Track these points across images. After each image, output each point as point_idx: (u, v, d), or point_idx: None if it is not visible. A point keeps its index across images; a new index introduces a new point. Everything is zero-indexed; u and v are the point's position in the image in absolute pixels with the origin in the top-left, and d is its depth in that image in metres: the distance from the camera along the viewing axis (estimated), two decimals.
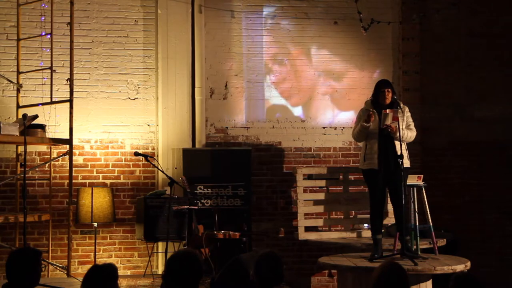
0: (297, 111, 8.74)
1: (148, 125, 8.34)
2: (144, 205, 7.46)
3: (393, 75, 8.79)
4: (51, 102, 7.67)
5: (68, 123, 7.52)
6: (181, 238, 7.40)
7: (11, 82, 7.93)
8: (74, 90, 7.60)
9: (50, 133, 7.85)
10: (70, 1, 7.58)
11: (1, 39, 8.14)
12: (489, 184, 8.83)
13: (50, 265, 7.65)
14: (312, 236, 7.96)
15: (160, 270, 7.92)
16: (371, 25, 7.86)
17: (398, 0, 8.81)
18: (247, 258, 6.01)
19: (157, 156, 8.23)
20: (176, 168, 8.18)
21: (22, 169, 7.03)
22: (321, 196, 8.13)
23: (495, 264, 8.60)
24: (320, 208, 8.09)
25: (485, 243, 8.76)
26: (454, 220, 8.66)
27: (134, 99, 8.35)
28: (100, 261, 7.69)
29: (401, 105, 6.95)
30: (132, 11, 8.38)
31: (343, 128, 8.72)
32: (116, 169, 8.23)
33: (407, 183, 6.85)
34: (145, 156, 7.18)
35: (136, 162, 8.23)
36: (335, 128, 8.76)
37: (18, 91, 7.94)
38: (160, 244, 7.91)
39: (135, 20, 8.39)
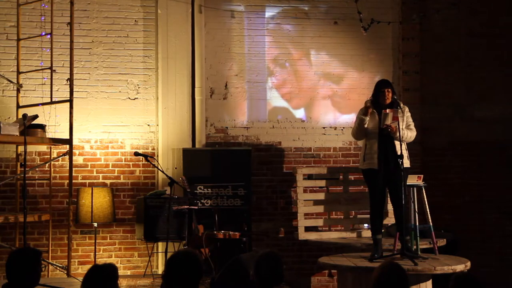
0: (298, 111, 8.73)
1: (148, 125, 8.34)
2: (144, 205, 7.46)
3: (393, 75, 8.79)
4: (51, 102, 7.67)
5: (68, 123, 7.53)
6: (181, 238, 7.40)
7: (11, 82, 7.93)
8: (74, 90, 7.60)
9: (50, 133, 7.85)
10: (70, 1, 7.58)
11: (1, 39, 8.14)
12: (489, 184, 8.83)
13: (50, 265, 7.65)
14: (312, 236, 7.96)
15: (160, 270, 7.92)
16: (371, 25, 7.86)
17: (398, 0, 8.81)
18: (247, 258, 6.01)
19: (157, 156, 8.23)
20: (176, 168, 8.18)
21: (22, 169, 7.04)
22: (321, 196, 8.13)
23: (495, 264, 8.60)
24: (320, 208, 8.09)
25: (485, 243, 8.76)
26: (454, 220, 8.66)
27: (134, 99, 8.35)
28: (100, 261, 7.69)
29: (401, 105, 6.95)
30: (132, 11, 8.38)
31: (343, 128, 8.73)
32: (116, 169, 8.23)
33: (407, 183, 6.85)
34: (145, 156, 7.18)
35: (136, 162, 8.23)
36: (335, 128, 8.76)
37: (18, 91, 7.94)
38: (160, 244, 7.91)
39: (135, 20, 8.39)
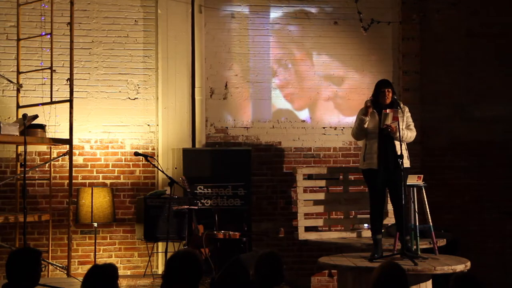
0: (299, 111, 8.73)
1: (148, 125, 8.34)
2: (144, 205, 7.45)
3: (393, 75, 8.79)
4: (51, 102, 7.67)
5: (68, 123, 7.52)
6: (181, 238, 7.40)
7: (11, 82, 7.93)
8: (74, 90, 7.60)
9: (50, 133, 7.85)
10: (70, 1, 7.58)
11: (1, 39, 8.14)
12: (489, 184, 8.83)
13: (50, 265, 7.65)
14: (312, 236, 7.96)
15: (160, 270, 7.92)
16: (371, 25, 7.87)
17: (398, 0, 8.81)
18: (247, 258, 6.02)
19: (157, 156, 8.23)
20: (176, 168, 8.18)
21: (22, 169, 7.03)
22: (321, 196, 8.13)
23: (495, 264, 8.59)
24: (320, 208, 8.09)
25: (485, 243, 8.76)
26: (454, 220, 8.66)
27: (134, 99, 8.35)
28: (100, 261, 7.69)
29: (401, 105, 6.95)
30: (132, 11, 8.38)
31: (343, 128, 8.73)
32: (116, 169, 8.23)
33: (407, 183, 6.85)
34: (145, 156, 7.19)
35: (136, 162, 8.23)
36: (335, 128, 8.76)
37: (18, 91, 7.94)
38: (160, 244, 7.91)
39: (135, 20, 8.39)
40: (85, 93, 8.23)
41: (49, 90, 7.63)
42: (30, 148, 7.75)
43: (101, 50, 8.30)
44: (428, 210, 7.21)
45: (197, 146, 8.34)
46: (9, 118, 7.99)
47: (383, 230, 7.20)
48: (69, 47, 7.59)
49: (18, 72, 7.94)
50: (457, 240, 8.16)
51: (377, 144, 6.80)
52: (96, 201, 7.55)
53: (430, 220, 7.18)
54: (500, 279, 8.37)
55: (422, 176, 7.11)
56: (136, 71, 8.36)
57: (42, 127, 7.52)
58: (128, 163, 8.25)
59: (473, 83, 8.97)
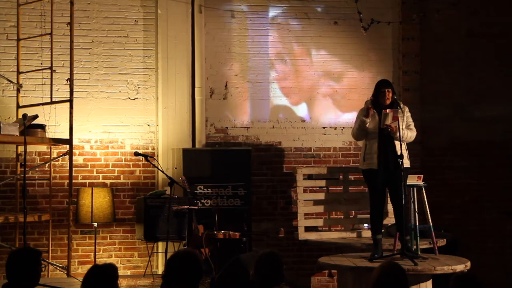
0: (299, 111, 8.74)
1: (148, 125, 8.34)
2: (144, 205, 7.45)
3: (393, 75, 8.78)
4: (51, 102, 7.67)
5: (68, 123, 7.52)
6: (181, 238, 7.39)
7: (11, 82, 7.92)
8: (74, 90, 7.60)
9: (50, 133, 7.85)
10: (70, 1, 7.58)
11: (1, 39, 8.14)
12: (489, 184, 8.83)
13: (50, 265, 7.65)
14: (312, 236, 7.96)
15: (160, 270, 7.92)
16: (371, 25, 7.86)
17: (398, 0, 8.81)
18: (247, 258, 6.02)
19: (157, 156, 8.23)
20: (176, 168, 8.18)
21: (22, 169, 7.03)
22: (321, 196, 8.13)
23: (495, 264, 8.59)
24: (320, 208, 8.09)
25: (485, 243, 8.76)
26: (454, 220, 8.65)
27: (134, 99, 8.35)
28: (100, 261, 7.68)
29: (401, 105, 6.95)
30: (132, 11, 8.38)
31: (343, 128, 8.73)
32: (116, 169, 8.23)
33: (407, 183, 6.85)
34: (145, 156, 7.19)
35: (136, 162, 8.23)
36: (335, 128, 8.76)
37: (18, 91, 7.94)
38: (160, 244, 7.91)
39: (135, 20, 8.39)
40: (85, 93, 8.23)
41: (49, 90, 7.63)
42: (30, 148, 7.75)
43: (101, 50, 8.30)
44: (428, 210, 7.21)
45: (197, 146, 8.34)
46: (9, 118, 7.99)
47: (383, 230, 7.20)
48: (69, 47, 7.59)
49: (18, 72, 7.94)
50: (457, 240, 8.16)
51: (377, 144, 6.80)
52: (96, 201, 7.55)
53: (430, 220, 7.18)
54: (500, 279, 8.37)
55: (422, 176, 7.11)
56: (136, 71, 8.36)
57: (42, 127, 7.52)
58: (128, 163, 8.25)
59: (473, 83, 8.97)
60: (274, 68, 8.72)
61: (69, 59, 7.59)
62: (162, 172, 7.30)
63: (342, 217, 8.29)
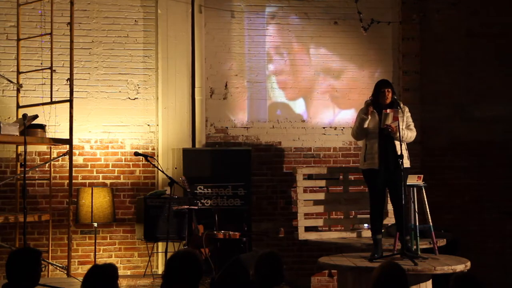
0: (296, 109, 8.74)
1: (148, 125, 8.34)
2: (144, 205, 7.45)
3: (393, 75, 8.79)
4: (51, 102, 7.67)
5: (68, 123, 7.52)
6: (181, 238, 7.40)
7: (11, 82, 7.93)
8: (74, 90, 7.60)
9: (50, 133, 7.85)
10: (70, 1, 7.58)
11: (1, 39, 8.14)
12: (489, 184, 8.83)
13: (50, 265, 7.65)
14: (312, 236, 7.96)
15: (160, 270, 7.92)
16: (371, 25, 7.86)
17: (398, 0, 8.81)
18: (247, 258, 6.02)
19: (157, 156, 8.23)
20: (176, 168, 8.18)
21: (22, 169, 7.03)
22: (321, 196, 8.13)
23: (495, 264, 8.59)
24: (320, 208, 8.09)
25: (485, 243, 8.76)
26: (454, 220, 8.65)
27: (134, 99, 8.35)
28: (100, 261, 7.69)
29: (401, 105, 6.95)
30: (132, 11, 8.38)
31: (343, 128, 8.73)
32: (116, 169, 8.23)
33: (407, 183, 6.85)
34: (145, 156, 7.19)
35: (136, 162, 8.23)
36: (335, 128, 8.76)
37: (18, 91, 7.94)
38: (160, 244, 7.91)
39: (135, 20, 8.39)
40: (85, 93, 8.23)
41: (49, 90, 7.63)
42: (30, 148, 7.75)
43: (101, 50, 8.30)
44: (428, 210, 7.21)
45: (197, 146, 8.34)
46: (9, 118, 7.99)
47: (383, 230, 7.20)
48: (69, 47, 7.59)
49: (18, 72, 7.94)
50: (457, 240, 8.16)
51: (377, 144, 6.80)
52: (96, 201, 7.56)
53: (430, 220, 7.18)
54: (500, 279, 8.37)
55: (422, 176, 7.11)
56: (136, 71, 8.36)
57: (42, 127, 7.52)
58: (128, 163, 8.25)
59: (473, 83, 8.97)
60: (274, 68, 8.72)
61: (69, 59, 7.59)
62: (162, 172, 7.30)
63: (342, 217, 8.29)
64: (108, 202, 7.63)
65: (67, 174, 7.56)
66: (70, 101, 7.51)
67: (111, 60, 8.32)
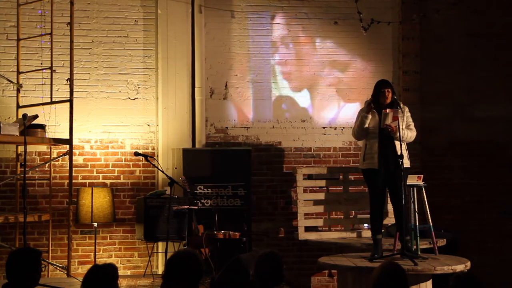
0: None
1: (148, 125, 8.34)
2: (144, 205, 7.45)
3: (393, 75, 8.79)
4: (51, 102, 7.68)
5: (68, 123, 7.52)
6: (181, 238, 7.40)
7: (11, 82, 7.93)
8: (74, 90, 7.60)
9: (50, 133, 7.85)
10: (70, 1, 7.58)
11: (1, 39, 8.14)
12: (489, 184, 8.83)
13: (50, 265, 7.65)
14: (312, 236, 7.96)
15: (160, 270, 7.92)
16: (371, 25, 7.85)
17: (398, 0, 8.81)
18: (247, 258, 6.02)
19: (157, 156, 8.23)
20: (176, 168, 8.18)
21: (22, 169, 7.03)
22: (321, 196, 8.13)
23: (495, 264, 8.59)
24: (320, 208, 8.09)
25: (485, 243, 8.76)
26: (454, 220, 8.66)
27: (134, 99, 8.35)
28: (100, 261, 7.68)
29: (401, 105, 6.94)
30: (132, 11, 8.39)
31: (343, 128, 8.73)
32: (116, 169, 8.23)
33: (407, 183, 6.84)
34: (145, 156, 7.19)
35: (136, 162, 8.23)
36: (335, 128, 8.76)
37: (18, 91, 7.94)
38: (160, 244, 7.91)
39: (135, 20, 8.39)
40: (85, 93, 8.23)
41: (49, 90, 7.63)
42: (30, 148, 7.75)
43: (101, 50, 8.31)
44: (428, 210, 7.20)
45: (197, 146, 8.34)
46: (9, 118, 7.99)
47: (383, 230, 7.20)
48: (69, 47, 7.59)
49: (18, 72, 7.94)
50: (457, 240, 8.16)
51: (377, 144, 6.80)
52: (96, 201, 7.56)
53: (430, 220, 7.18)
54: (500, 279, 8.37)
55: (422, 176, 7.11)
56: (136, 71, 8.37)
57: (42, 127, 7.52)
58: (128, 163, 8.25)
59: (473, 83, 8.97)
60: (274, 68, 8.72)
61: (69, 59, 7.59)
62: (162, 172, 7.30)
63: (342, 217, 8.29)
64: (108, 202, 7.63)
65: (67, 174, 7.56)
66: (70, 101, 7.51)
67: (111, 60, 8.32)
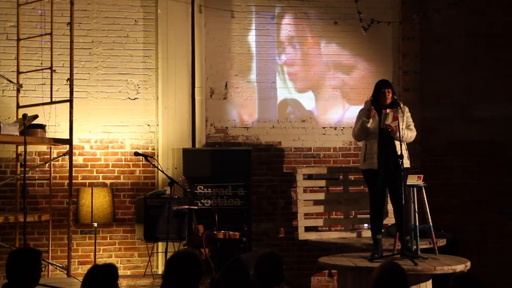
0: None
1: (148, 125, 8.34)
2: (144, 205, 7.45)
3: (393, 75, 8.79)
4: (51, 102, 7.68)
5: (68, 123, 7.53)
6: (181, 238, 7.40)
7: (11, 82, 7.93)
8: (74, 90, 7.60)
9: (50, 133, 7.85)
10: (70, 1, 7.58)
11: (1, 39, 8.14)
12: (489, 184, 8.83)
13: (50, 265, 7.65)
14: (312, 236, 7.96)
15: (160, 270, 7.92)
16: (371, 25, 7.85)
17: (398, 0, 8.81)
18: (247, 258, 6.02)
19: (157, 156, 8.23)
20: (176, 168, 8.18)
21: (22, 169, 7.03)
22: (321, 196, 8.13)
23: (495, 264, 8.59)
24: (320, 208, 8.09)
25: (485, 243, 8.76)
26: (454, 220, 8.66)
27: (134, 99, 8.35)
28: (100, 261, 7.69)
29: (401, 105, 6.94)
30: (132, 11, 8.39)
31: (343, 128, 8.73)
32: (116, 169, 8.23)
33: (407, 183, 6.84)
34: (145, 156, 7.19)
35: (136, 162, 8.23)
36: (335, 128, 8.76)
37: (18, 91, 7.94)
38: (160, 244, 7.91)
39: (135, 20, 8.39)
40: (85, 93, 8.23)
41: (49, 90, 7.63)
42: (30, 148, 7.75)
43: (101, 50, 8.31)
44: (428, 210, 7.21)
45: (197, 146, 8.34)
46: (9, 118, 7.99)
47: (383, 230, 7.20)
48: (69, 47, 7.59)
49: (18, 72, 7.94)
50: (457, 240, 8.16)
51: (377, 144, 6.80)
52: (96, 201, 7.56)
53: (430, 220, 7.18)
54: (500, 279, 8.37)
55: (422, 176, 7.11)
56: (136, 71, 8.37)
57: (42, 127, 7.52)
58: (128, 163, 8.25)
59: (473, 83, 8.97)
60: (274, 68, 8.72)
61: (69, 59, 7.59)
62: (162, 172, 7.30)
63: (342, 217, 8.29)
64: (108, 202, 7.63)
65: (67, 174, 7.56)
66: (70, 101, 7.52)
67: (111, 60, 8.32)
